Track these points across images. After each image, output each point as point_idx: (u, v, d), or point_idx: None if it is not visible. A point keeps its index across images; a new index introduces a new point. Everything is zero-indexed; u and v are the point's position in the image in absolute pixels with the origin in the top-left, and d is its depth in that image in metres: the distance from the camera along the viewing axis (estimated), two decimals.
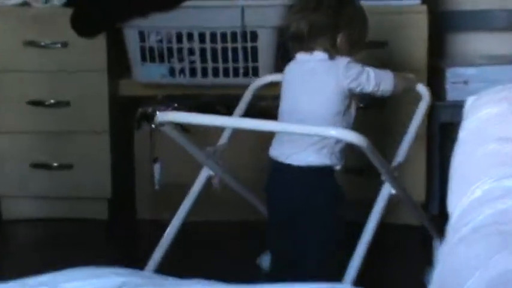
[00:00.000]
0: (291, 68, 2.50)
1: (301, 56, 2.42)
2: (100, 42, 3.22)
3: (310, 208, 2.38)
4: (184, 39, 3.13)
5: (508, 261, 1.00)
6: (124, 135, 3.37)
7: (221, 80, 3.17)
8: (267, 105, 3.32)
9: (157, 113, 2.54)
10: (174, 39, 3.14)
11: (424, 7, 3.09)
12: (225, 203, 3.22)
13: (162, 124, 2.44)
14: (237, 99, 3.18)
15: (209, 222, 3.30)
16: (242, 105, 2.81)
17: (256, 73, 3.11)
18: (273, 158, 2.35)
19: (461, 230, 1.08)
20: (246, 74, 3.13)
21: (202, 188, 2.69)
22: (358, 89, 2.37)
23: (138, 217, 3.37)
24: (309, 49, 2.39)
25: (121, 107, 3.38)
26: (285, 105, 2.45)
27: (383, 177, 2.31)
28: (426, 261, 2.82)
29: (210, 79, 3.18)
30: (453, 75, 3.13)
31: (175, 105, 3.31)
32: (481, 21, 3.22)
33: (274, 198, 2.56)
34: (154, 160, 3.28)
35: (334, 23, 2.39)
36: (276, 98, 3.19)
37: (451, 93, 3.10)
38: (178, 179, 3.18)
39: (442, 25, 3.37)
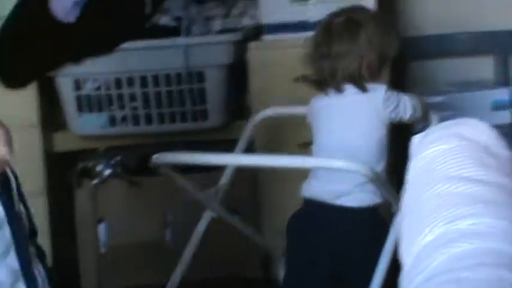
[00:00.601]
0: (322, 104, 2.50)
1: (331, 94, 2.47)
2: (30, 94, 3.07)
3: (370, 261, 2.33)
4: (124, 84, 3.09)
5: None
6: (63, 195, 3.26)
7: (168, 126, 3.14)
8: (220, 150, 3.17)
9: (153, 155, 2.51)
10: (113, 86, 3.10)
11: None
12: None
13: (157, 166, 2.47)
14: (187, 146, 3.12)
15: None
16: (243, 142, 2.81)
17: (205, 117, 3.09)
18: (312, 198, 2.31)
19: (415, 280, 0.95)
20: (194, 119, 3.10)
21: (204, 232, 2.69)
22: (397, 119, 2.43)
23: (83, 286, 3.23)
24: (339, 89, 2.45)
25: (58, 163, 3.27)
26: (324, 142, 2.45)
27: (393, 209, 2.30)
28: None
29: (155, 126, 3.14)
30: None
31: (118, 157, 3.18)
32: (445, 46, 3.24)
33: (315, 246, 2.50)
34: (99, 220, 3.17)
35: (353, 55, 2.44)
36: (230, 142, 3.01)
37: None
38: (127, 239, 3.19)
39: (405, 52, 3.30)
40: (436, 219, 0.96)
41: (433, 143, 1.11)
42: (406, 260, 1.00)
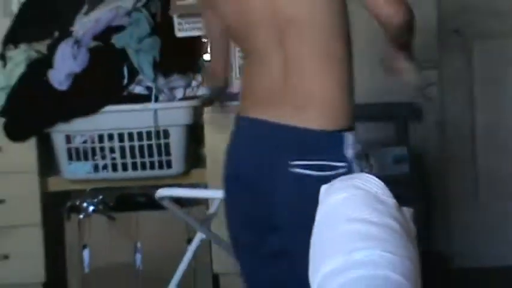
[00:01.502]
0: None
1: None
2: (30, 146, 3.15)
3: None
4: (106, 139, 3.09)
5: None
6: (55, 226, 3.24)
7: (139, 172, 3.13)
8: None
9: (158, 190, 2.56)
10: (96, 140, 3.09)
11: None
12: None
13: (161, 199, 2.49)
14: (155, 188, 2.99)
15: None
16: None
17: (169, 165, 3.08)
18: None
19: None
20: (160, 167, 3.10)
21: (196, 250, 2.69)
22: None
23: None
24: None
25: (52, 201, 3.28)
26: None
27: None
28: None
29: (130, 172, 3.13)
30: None
31: (100, 197, 3.20)
32: (360, 113, 3.24)
33: None
34: (84, 247, 3.17)
35: None
36: (189, 186, 3.11)
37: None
38: (106, 262, 3.15)
39: None
40: (337, 251, 1.06)
41: (335, 192, 1.18)
42: (313, 284, 1.07)
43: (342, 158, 1.62)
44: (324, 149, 1.64)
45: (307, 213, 1.29)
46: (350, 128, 1.66)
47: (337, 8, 1.67)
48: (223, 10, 1.79)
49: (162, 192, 2.53)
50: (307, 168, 1.65)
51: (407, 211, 1.23)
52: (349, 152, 1.64)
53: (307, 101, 1.64)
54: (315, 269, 1.12)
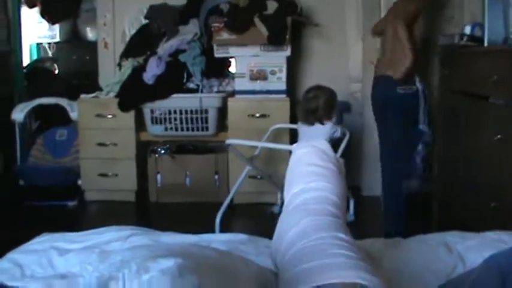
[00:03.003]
0: (305, 128, 2.62)
1: (309, 125, 2.59)
2: (131, 115, 3.33)
3: None
4: (172, 112, 3.24)
5: (307, 222, 0.98)
6: (143, 160, 3.39)
7: (190, 133, 3.27)
8: (212, 145, 3.47)
9: (227, 140, 2.56)
10: (167, 113, 3.24)
11: (288, 98, 3.23)
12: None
13: (228, 145, 2.49)
14: (199, 142, 3.41)
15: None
16: (265, 137, 2.94)
17: (207, 129, 3.23)
18: None
19: (288, 209, 1.07)
20: (202, 130, 3.25)
21: (245, 176, 2.74)
22: (334, 136, 2.60)
23: (151, 200, 3.38)
24: (312, 124, 2.60)
25: (142, 146, 3.41)
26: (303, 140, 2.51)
27: None
28: None
29: (185, 132, 3.28)
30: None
31: (167, 145, 3.38)
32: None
33: None
34: (157, 172, 3.37)
35: (318, 110, 2.58)
36: (217, 142, 3.33)
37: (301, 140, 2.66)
38: (170, 182, 3.36)
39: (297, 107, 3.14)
40: (300, 182, 1.08)
41: (300, 148, 1.19)
42: (286, 199, 1.09)
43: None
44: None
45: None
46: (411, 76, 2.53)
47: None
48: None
49: (229, 141, 2.52)
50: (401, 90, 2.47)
51: (341, 160, 1.27)
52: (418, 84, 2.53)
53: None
54: (287, 191, 1.13)
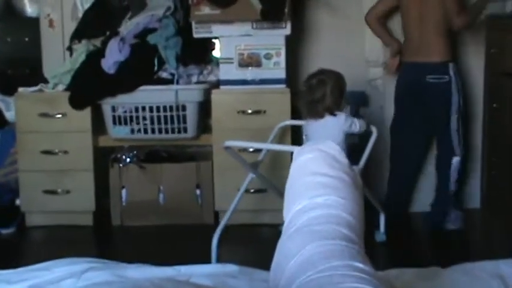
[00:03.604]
0: (313, 125, 2.76)
1: (317, 119, 2.72)
2: (86, 113, 3.36)
3: None
4: (140, 110, 3.29)
5: (314, 249, 0.99)
6: (103, 171, 3.46)
7: (163, 135, 3.33)
8: (192, 150, 3.60)
9: (225, 141, 2.64)
10: (133, 110, 3.29)
11: (288, 89, 3.30)
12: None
13: (227, 148, 2.61)
14: (174, 147, 3.49)
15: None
16: (272, 137, 3.07)
17: (185, 131, 3.29)
18: None
19: (288, 231, 1.08)
20: (179, 132, 3.30)
21: (248, 185, 2.86)
22: (350, 131, 2.73)
23: (113, 223, 3.45)
24: (322, 117, 2.73)
25: (101, 154, 3.47)
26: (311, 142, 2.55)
27: None
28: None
29: (156, 135, 3.33)
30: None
31: (134, 152, 3.46)
32: None
33: None
34: (122, 187, 3.42)
35: (326, 98, 2.70)
36: (199, 146, 3.47)
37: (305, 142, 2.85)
38: (138, 199, 3.43)
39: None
40: (304, 196, 1.07)
41: (304, 153, 1.18)
42: (286, 219, 1.09)
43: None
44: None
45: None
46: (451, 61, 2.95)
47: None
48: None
49: (228, 143, 2.63)
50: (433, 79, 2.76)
51: (356, 168, 1.42)
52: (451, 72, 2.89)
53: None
54: (287, 209, 1.14)
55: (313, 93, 2.71)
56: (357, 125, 2.75)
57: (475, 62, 3.42)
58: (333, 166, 1.13)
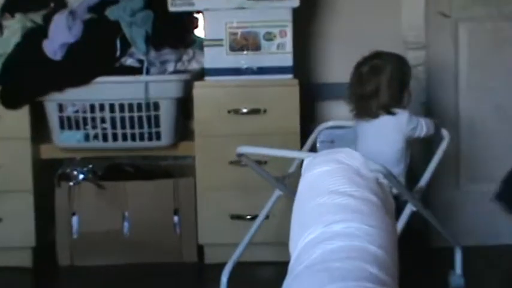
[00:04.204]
0: (363, 127, 2.86)
1: (370, 120, 2.82)
2: (23, 113, 3.39)
3: None
4: (97, 109, 3.33)
5: None
6: (46, 192, 3.47)
7: (129, 143, 3.38)
8: (167, 164, 3.70)
9: (238, 147, 2.67)
10: (88, 110, 3.34)
11: (296, 81, 3.35)
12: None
13: (240, 155, 2.69)
14: (143, 159, 3.61)
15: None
16: (309, 142, 3.16)
17: (159, 137, 3.36)
18: None
19: (296, 269, 1.08)
20: (150, 138, 3.37)
21: (273, 205, 2.95)
22: (415, 135, 2.81)
23: (60, 263, 3.47)
24: (376, 117, 2.80)
25: (44, 168, 3.49)
26: (363, 150, 2.75)
27: (404, 198, 2.59)
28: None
29: (120, 143, 3.38)
30: (322, 136, 3.39)
31: (90, 166, 3.52)
32: (342, 91, 3.23)
33: None
34: (73, 213, 3.45)
35: (381, 92, 2.78)
36: (176, 158, 3.60)
37: (320, 150, 3.10)
38: (95, 229, 3.46)
39: (312, 95, 3.66)
40: (317, 223, 1.10)
41: (317, 165, 1.22)
42: (293, 254, 1.11)
43: None
44: None
45: None
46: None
47: None
48: None
49: (242, 149, 2.67)
50: None
51: (387, 186, 1.42)
52: None
53: None
54: (295, 240, 1.16)
55: (364, 85, 2.80)
56: (424, 128, 2.82)
57: None
58: (357, 183, 1.16)
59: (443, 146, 2.93)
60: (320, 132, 3.23)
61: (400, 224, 2.60)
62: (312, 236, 1.08)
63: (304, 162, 1.26)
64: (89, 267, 3.49)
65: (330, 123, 3.24)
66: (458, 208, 3.64)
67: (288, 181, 2.96)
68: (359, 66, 2.85)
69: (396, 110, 2.79)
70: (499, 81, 3.59)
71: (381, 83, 2.78)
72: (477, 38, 3.58)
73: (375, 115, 2.82)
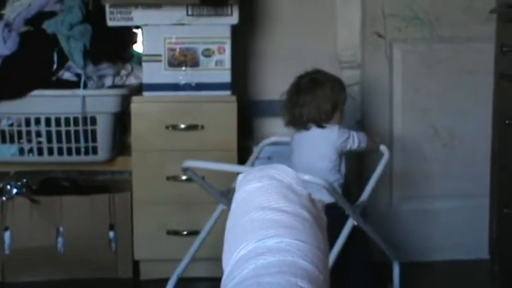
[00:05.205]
0: (297, 138, 2.91)
1: (303, 131, 2.88)
2: None
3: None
4: (32, 123, 3.30)
5: None
6: None
7: (65, 158, 3.36)
8: (104, 178, 3.68)
9: (185, 161, 2.71)
10: (23, 123, 3.31)
11: (234, 97, 3.35)
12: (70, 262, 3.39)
13: (186, 169, 2.70)
14: (80, 174, 3.57)
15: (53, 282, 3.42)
16: (252, 158, 3.17)
17: (95, 152, 3.35)
18: None
19: (228, 285, 1.08)
20: (86, 153, 3.35)
21: (216, 220, 2.91)
22: (347, 148, 2.85)
23: None
24: (306, 128, 2.87)
25: None
26: (297, 162, 2.84)
27: (347, 212, 2.62)
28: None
29: (56, 157, 3.35)
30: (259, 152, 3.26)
31: (24, 180, 3.45)
32: (278, 109, 3.22)
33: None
34: (5, 228, 3.38)
35: (313, 105, 2.84)
36: (113, 172, 3.60)
37: (257, 166, 2.97)
38: (28, 245, 3.40)
39: (250, 112, 3.66)
40: (250, 238, 1.09)
41: (250, 181, 1.21)
42: (225, 269, 1.10)
43: None
44: None
45: None
46: None
47: None
48: None
49: (188, 163, 2.69)
50: None
51: (319, 202, 1.28)
52: None
53: None
54: (228, 256, 1.17)
55: (300, 94, 2.85)
56: (355, 140, 2.85)
57: None
58: (289, 199, 1.15)
59: (384, 161, 2.95)
60: (263, 148, 3.23)
61: (341, 239, 2.62)
62: (244, 252, 1.08)
63: (238, 179, 1.25)
64: (21, 283, 3.44)
65: (273, 139, 3.25)
66: (391, 225, 3.64)
67: (231, 195, 2.94)
68: (299, 78, 2.92)
69: (326, 125, 2.86)
70: (432, 102, 3.61)
71: (317, 95, 2.84)
72: (411, 59, 3.60)
73: (305, 125, 2.87)
